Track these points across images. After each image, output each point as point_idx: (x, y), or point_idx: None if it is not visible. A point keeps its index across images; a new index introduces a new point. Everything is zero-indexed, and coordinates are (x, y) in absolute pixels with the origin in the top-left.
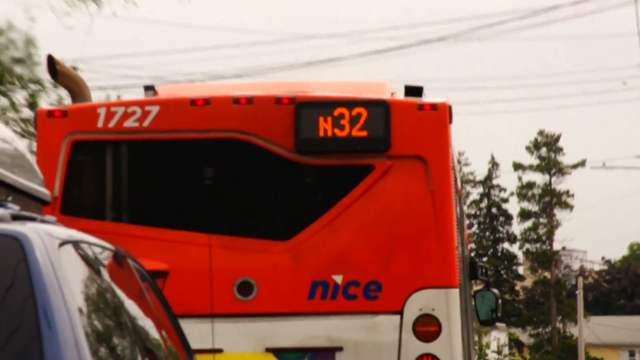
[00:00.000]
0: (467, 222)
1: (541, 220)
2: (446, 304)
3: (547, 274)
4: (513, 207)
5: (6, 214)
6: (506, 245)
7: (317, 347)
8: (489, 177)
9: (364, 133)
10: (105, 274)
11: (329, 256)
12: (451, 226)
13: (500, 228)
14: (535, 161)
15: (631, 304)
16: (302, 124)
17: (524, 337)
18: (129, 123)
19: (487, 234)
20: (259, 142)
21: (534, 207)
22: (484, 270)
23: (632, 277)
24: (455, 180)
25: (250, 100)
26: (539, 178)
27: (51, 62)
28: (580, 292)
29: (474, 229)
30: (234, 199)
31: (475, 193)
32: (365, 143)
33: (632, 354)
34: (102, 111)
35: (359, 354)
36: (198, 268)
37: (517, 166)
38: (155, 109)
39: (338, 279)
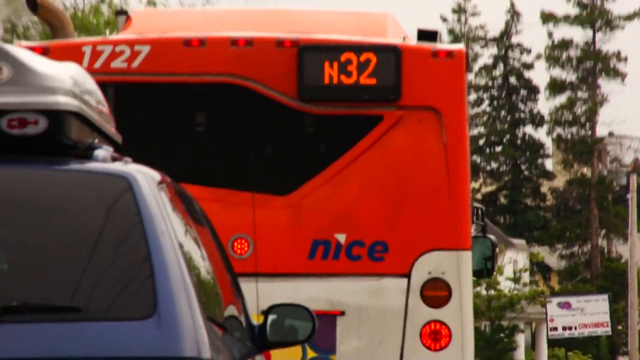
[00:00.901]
0: (474, 96)
1: (579, 94)
2: (457, 267)
3: (587, 171)
4: (540, 75)
5: (107, 155)
6: (529, 129)
7: (317, 310)
8: (506, 34)
9: (372, 81)
10: (185, 210)
11: (332, 213)
12: (465, 184)
13: (521, 105)
14: (572, 10)
15: None
16: (306, 69)
17: (552, 258)
18: (117, 63)
19: (503, 113)
20: (258, 87)
21: (569, 76)
22: (479, 213)
23: None
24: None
25: (249, 41)
26: (578, 34)
27: None
28: (632, 196)
29: (485, 106)
30: (229, 150)
31: (486, 56)
32: (374, 91)
33: None
34: (87, 49)
35: (361, 320)
36: None
37: (547, 17)
38: (145, 49)
39: (341, 238)
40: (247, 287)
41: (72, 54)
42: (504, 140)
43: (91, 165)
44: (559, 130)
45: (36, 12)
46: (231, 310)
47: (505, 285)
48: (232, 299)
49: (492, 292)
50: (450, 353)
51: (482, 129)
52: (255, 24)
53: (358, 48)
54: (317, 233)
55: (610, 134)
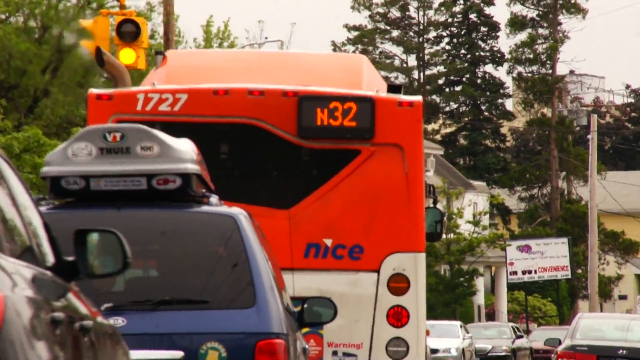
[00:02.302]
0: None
1: (540, 31)
2: (415, 265)
3: (547, 111)
4: (500, 12)
5: (217, 201)
6: (489, 68)
7: (309, 297)
8: None
9: (353, 124)
10: (258, 233)
11: (322, 223)
12: (421, 203)
13: (481, 43)
14: None
15: None
16: (304, 114)
17: (512, 201)
18: (163, 107)
19: (463, 51)
20: (268, 127)
21: (530, 12)
22: (431, 189)
23: None
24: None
25: (262, 92)
26: None
27: (99, 53)
28: (593, 137)
29: (444, 44)
30: (245, 174)
31: None
32: (354, 132)
33: None
34: (140, 97)
35: (343, 304)
36: None
37: None
38: (184, 97)
39: (328, 242)
40: None
41: (129, 100)
42: (464, 79)
43: (209, 208)
44: (519, 68)
45: (103, 66)
46: (286, 300)
47: (465, 228)
48: (285, 293)
49: (451, 235)
50: (408, 329)
51: (441, 68)
52: (262, 67)
53: (342, 98)
54: (310, 238)
55: (571, 73)
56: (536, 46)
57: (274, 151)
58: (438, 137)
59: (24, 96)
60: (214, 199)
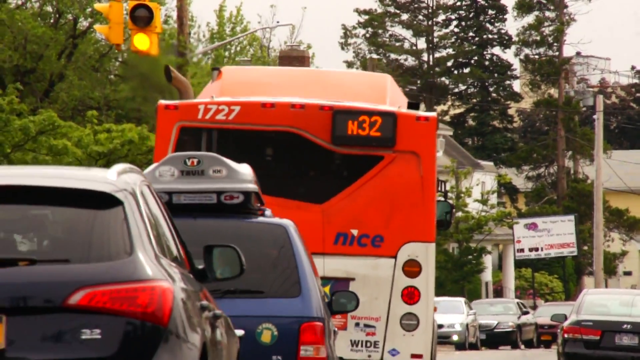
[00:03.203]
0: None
1: (547, 14)
2: (426, 253)
3: (554, 92)
4: None
5: (270, 213)
6: (497, 50)
7: (338, 277)
8: None
9: (378, 134)
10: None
11: (349, 216)
12: (432, 201)
13: (489, 26)
14: None
15: None
16: (337, 125)
17: (519, 180)
18: (220, 116)
19: (471, 34)
20: (307, 135)
21: None
22: (442, 184)
23: None
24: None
25: (302, 106)
26: None
27: (168, 70)
28: (599, 117)
29: (452, 27)
30: (287, 173)
31: None
32: (379, 140)
33: None
34: (201, 107)
35: (365, 283)
36: None
37: None
38: (237, 108)
39: (354, 232)
40: None
41: (192, 110)
42: (472, 61)
43: (264, 219)
44: (526, 51)
45: (171, 81)
46: (321, 291)
47: (473, 207)
48: (320, 286)
49: (460, 214)
50: (419, 306)
51: (450, 50)
52: (302, 82)
53: (370, 113)
54: (339, 228)
55: (578, 54)
56: (543, 29)
57: (311, 155)
58: (447, 118)
59: (40, 80)
60: (268, 211)
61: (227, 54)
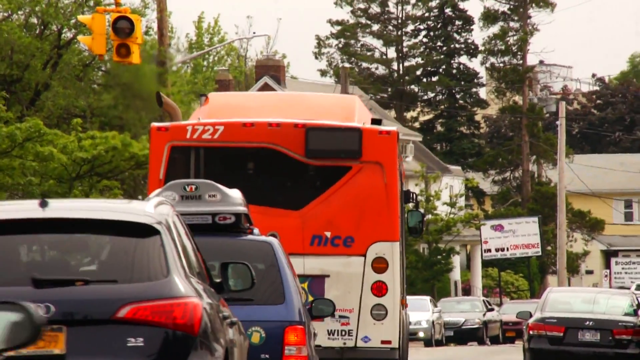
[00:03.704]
0: (412, 27)
1: (512, 24)
2: (392, 251)
3: (518, 99)
4: (474, 6)
5: (258, 232)
6: (464, 59)
7: (314, 274)
8: None
9: (346, 147)
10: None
11: (323, 220)
12: (396, 205)
13: (456, 36)
14: None
15: (629, 138)
16: (310, 140)
17: (486, 184)
18: (206, 135)
19: (439, 43)
20: (283, 150)
21: (502, 7)
22: (414, 196)
23: (632, 100)
24: (400, 175)
25: (278, 124)
26: None
27: (159, 96)
28: (562, 123)
29: (421, 37)
30: (267, 184)
31: None
32: (347, 153)
33: (628, 205)
34: (189, 128)
35: (339, 279)
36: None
37: None
38: (221, 128)
39: (328, 234)
40: None
41: (181, 130)
42: (440, 69)
43: (253, 237)
44: (492, 59)
45: (161, 106)
46: (302, 299)
47: (442, 209)
48: (301, 294)
49: (429, 216)
50: (387, 298)
51: (419, 59)
52: (279, 105)
53: (338, 129)
54: (314, 231)
55: (541, 63)
56: (508, 38)
57: (287, 168)
58: (417, 124)
59: (26, 89)
60: (256, 230)
61: (205, 63)
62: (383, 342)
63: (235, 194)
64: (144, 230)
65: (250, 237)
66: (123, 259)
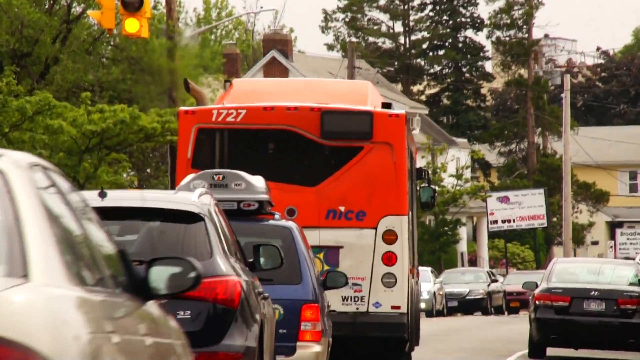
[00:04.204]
0: (418, 1)
1: None
2: (400, 224)
3: (524, 72)
4: None
5: (279, 217)
6: (470, 33)
7: (329, 245)
8: None
9: (358, 129)
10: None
11: (338, 195)
12: (404, 182)
13: (462, 9)
14: None
15: (634, 110)
16: (325, 122)
17: (492, 156)
18: (229, 119)
19: (445, 17)
20: (301, 132)
21: None
22: (425, 173)
23: (636, 73)
24: (411, 154)
25: (296, 108)
26: None
27: (186, 82)
28: (566, 95)
29: (428, 11)
30: (287, 163)
31: None
32: (359, 134)
33: (633, 176)
34: (214, 112)
35: (352, 251)
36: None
37: None
38: (243, 112)
39: (342, 208)
40: None
41: (207, 114)
42: (446, 43)
43: (274, 222)
44: (497, 33)
45: (189, 91)
46: (317, 275)
47: (449, 181)
48: (317, 271)
49: (436, 188)
50: (396, 267)
51: (425, 33)
52: (297, 90)
53: (351, 112)
54: (330, 205)
55: (546, 37)
56: (513, 12)
57: (304, 148)
58: (423, 97)
59: (36, 64)
60: (277, 215)
61: (213, 37)
62: (393, 307)
63: (259, 182)
64: (191, 218)
65: (271, 222)
66: (173, 242)
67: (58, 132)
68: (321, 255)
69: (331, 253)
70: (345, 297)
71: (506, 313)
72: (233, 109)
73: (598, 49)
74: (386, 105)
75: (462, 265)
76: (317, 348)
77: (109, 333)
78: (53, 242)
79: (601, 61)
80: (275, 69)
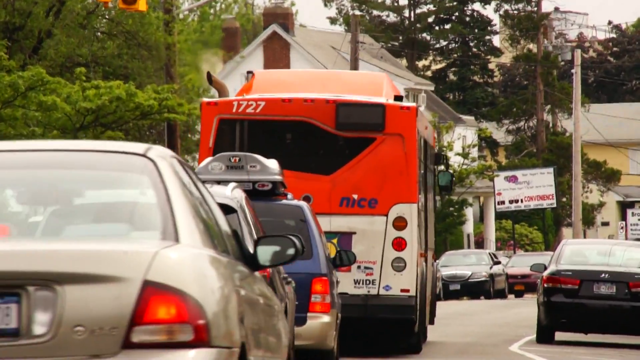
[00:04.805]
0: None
1: None
2: (410, 211)
3: (533, 47)
4: None
5: (291, 196)
6: (477, 6)
7: (343, 231)
8: None
9: (371, 120)
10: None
11: (351, 183)
12: (414, 172)
13: None
14: None
15: None
16: (340, 114)
17: (500, 134)
18: (249, 110)
19: None
20: (317, 123)
21: None
22: (444, 158)
23: None
24: (426, 143)
25: (312, 100)
26: None
27: (209, 76)
28: (577, 71)
29: None
30: (302, 152)
31: None
32: (372, 126)
33: None
34: (235, 103)
35: (364, 236)
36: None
37: None
38: (263, 103)
39: (355, 196)
40: None
41: (228, 105)
42: (453, 17)
43: (287, 201)
44: (506, 6)
45: (211, 84)
46: (327, 252)
47: (455, 160)
48: (326, 248)
49: (441, 167)
50: (406, 252)
51: (431, 6)
52: (314, 82)
53: (364, 105)
54: (343, 193)
55: (556, 10)
56: None
57: (320, 138)
58: (429, 73)
59: (29, 37)
60: (290, 195)
61: (212, 11)
62: (402, 290)
63: (273, 164)
64: (226, 210)
65: (284, 201)
66: None
67: (52, 108)
68: (335, 241)
69: (344, 238)
70: (357, 280)
71: (512, 296)
72: (253, 100)
73: (610, 22)
74: (398, 98)
75: (469, 246)
76: (326, 319)
77: (236, 286)
78: (192, 215)
79: (613, 35)
80: (276, 44)
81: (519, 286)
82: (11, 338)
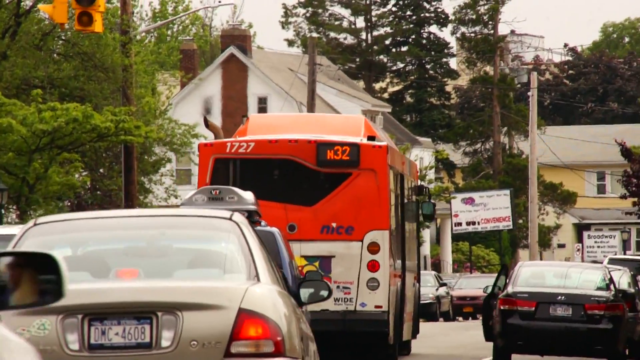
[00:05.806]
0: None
1: None
2: (382, 237)
3: (489, 69)
4: None
5: (266, 223)
6: (434, 28)
7: (323, 255)
8: None
9: (348, 157)
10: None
11: (331, 213)
12: (386, 202)
13: (426, 5)
14: None
15: (602, 109)
16: (320, 152)
17: (457, 156)
18: (241, 150)
19: (408, 12)
20: (300, 160)
21: None
22: (426, 190)
23: (604, 71)
24: (402, 177)
25: (296, 141)
26: None
27: (206, 120)
28: (533, 93)
29: (390, 6)
30: (289, 186)
31: None
32: (348, 162)
33: (601, 177)
34: (228, 144)
35: (343, 259)
36: (274, 217)
37: None
38: (252, 144)
39: (334, 224)
40: (295, 245)
41: (222, 146)
42: (410, 39)
43: (262, 227)
44: (462, 29)
45: (207, 127)
46: (296, 272)
47: None
48: (297, 271)
49: (435, 202)
50: (379, 273)
51: (388, 29)
52: (299, 124)
53: (341, 144)
54: (324, 222)
55: (512, 32)
56: (478, 7)
57: (303, 174)
58: (386, 95)
59: None
60: (263, 222)
61: (169, 32)
62: (376, 306)
63: (248, 196)
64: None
65: (258, 227)
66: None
67: (7, 130)
68: (317, 264)
69: (325, 261)
70: (337, 298)
71: (460, 318)
72: (244, 141)
73: (566, 45)
74: (371, 138)
75: (425, 268)
76: None
77: (295, 313)
78: (265, 261)
79: (569, 58)
80: (233, 66)
81: (467, 308)
82: (146, 349)
